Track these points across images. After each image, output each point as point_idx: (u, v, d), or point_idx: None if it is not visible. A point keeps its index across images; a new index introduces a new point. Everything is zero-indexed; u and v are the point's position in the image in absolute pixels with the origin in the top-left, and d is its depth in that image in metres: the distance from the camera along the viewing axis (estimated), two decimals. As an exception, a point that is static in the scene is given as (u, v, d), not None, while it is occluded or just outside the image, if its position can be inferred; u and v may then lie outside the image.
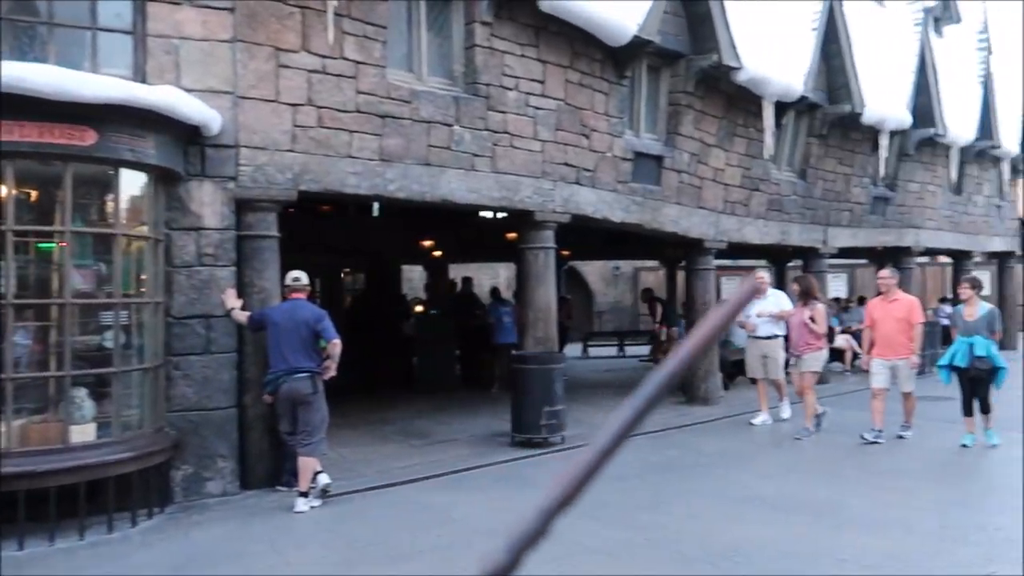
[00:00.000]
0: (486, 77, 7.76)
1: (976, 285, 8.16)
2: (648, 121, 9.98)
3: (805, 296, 8.94)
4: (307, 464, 5.85)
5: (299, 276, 6.22)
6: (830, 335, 10.89)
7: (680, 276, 14.80)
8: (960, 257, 17.48)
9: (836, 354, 14.37)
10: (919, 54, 13.84)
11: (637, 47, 8.92)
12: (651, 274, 23.35)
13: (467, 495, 6.44)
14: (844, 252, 15.35)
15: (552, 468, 7.35)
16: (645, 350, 17.06)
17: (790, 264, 15.86)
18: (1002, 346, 18.57)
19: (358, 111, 6.83)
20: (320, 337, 6.01)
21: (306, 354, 5.94)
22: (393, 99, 7.08)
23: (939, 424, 9.25)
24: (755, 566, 4.73)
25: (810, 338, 8.72)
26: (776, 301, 9.37)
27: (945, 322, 17.53)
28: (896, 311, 8.19)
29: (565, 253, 15.66)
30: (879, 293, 8.68)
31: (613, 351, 18.84)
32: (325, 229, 11.35)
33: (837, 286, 21.17)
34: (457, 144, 7.53)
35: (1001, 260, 19.03)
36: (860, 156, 13.43)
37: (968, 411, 7.88)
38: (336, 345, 6.02)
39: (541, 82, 8.28)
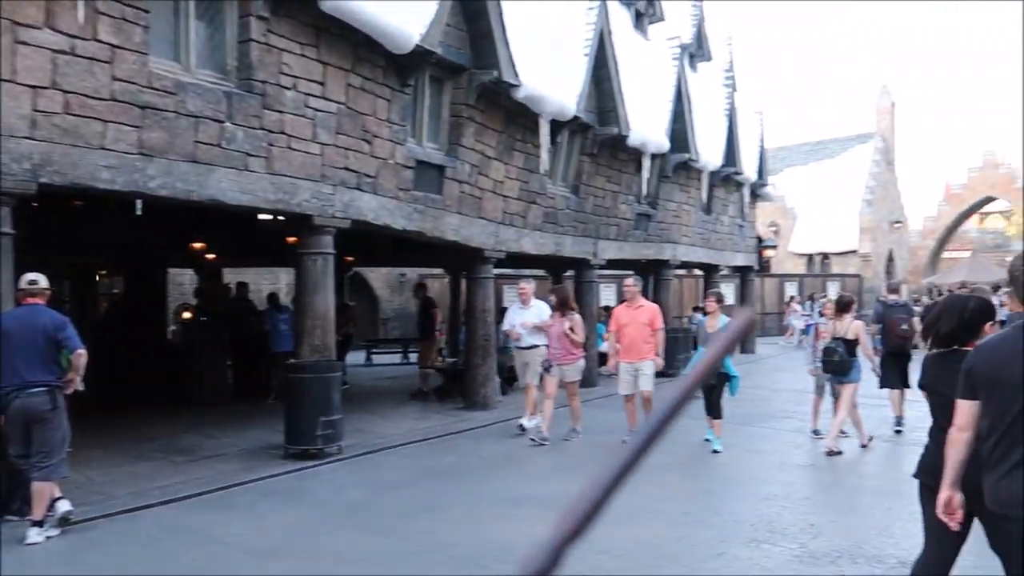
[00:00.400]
0: (262, 74, 7.44)
1: (720, 299, 8.68)
2: (431, 130, 10.11)
3: (563, 306, 8.97)
4: (43, 490, 5.22)
5: (36, 279, 5.53)
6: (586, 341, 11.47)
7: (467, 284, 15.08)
8: (710, 270, 19.49)
9: (604, 358, 15.43)
10: (676, 85, 15.28)
11: (420, 56, 9.00)
12: (436, 282, 23.61)
13: (232, 513, 6.10)
14: (612, 264, 16.54)
15: (328, 479, 7.18)
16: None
17: (566, 274, 16.77)
18: (743, 349, 21.16)
19: (114, 99, 6.24)
20: (62, 347, 5.40)
21: (43, 366, 5.30)
22: (156, 89, 6.56)
23: (689, 420, 10.24)
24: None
25: (570, 348, 8.80)
26: (538, 311, 9.33)
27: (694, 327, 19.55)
28: (640, 317, 8.60)
29: (349, 259, 15.43)
30: (623, 300, 9.15)
31: (398, 358, 18.79)
32: (78, 227, 10.24)
33: (607, 295, 22.73)
34: (229, 142, 7.13)
35: (743, 274, 21.49)
36: (626, 175, 14.53)
37: (715, 414, 8.36)
38: (81, 356, 5.42)
39: (321, 83, 8.09)
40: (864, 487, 6.94)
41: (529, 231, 12.01)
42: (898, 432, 9.10)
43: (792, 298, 27.01)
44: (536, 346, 9.13)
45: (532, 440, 8.63)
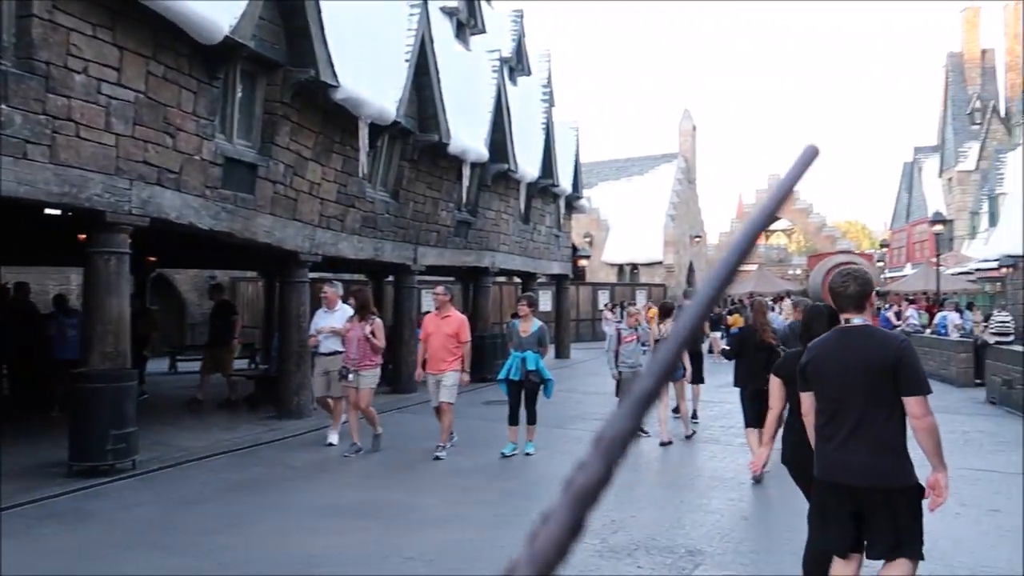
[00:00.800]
0: (45, 54, 6.74)
1: (533, 303, 8.63)
2: (243, 127, 9.64)
3: (363, 310, 8.61)
4: None
5: None
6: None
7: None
8: (528, 278, 20.08)
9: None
10: (495, 97, 15.64)
11: (231, 49, 8.57)
12: (251, 285, 22.54)
13: (4, 541, 5.45)
14: (433, 270, 16.60)
15: (119, 497, 6.62)
16: (243, 364, 16.31)
17: (388, 279, 16.62)
18: (558, 354, 21.96)
19: None
20: None
21: None
22: (-89, 62, 5.76)
23: (499, 424, 10.46)
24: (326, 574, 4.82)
25: (370, 354, 8.48)
26: (343, 316, 8.96)
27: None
28: (446, 327, 8.32)
29: (151, 259, 14.35)
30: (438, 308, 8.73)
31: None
32: None
33: (428, 301, 22.80)
34: (4, 126, 6.40)
35: (559, 282, 22.33)
36: (447, 183, 14.65)
37: (514, 420, 8.40)
38: None
39: (117, 69, 7.46)
40: (661, 483, 7.42)
41: (347, 235, 11.78)
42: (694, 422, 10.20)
43: (607, 305, 28.48)
44: (338, 352, 8.77)
45: (345, 455, 8.42)
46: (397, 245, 13.24)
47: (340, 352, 8.74)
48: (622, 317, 25.78)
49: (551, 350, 21.93)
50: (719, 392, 14.11)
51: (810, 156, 0.59)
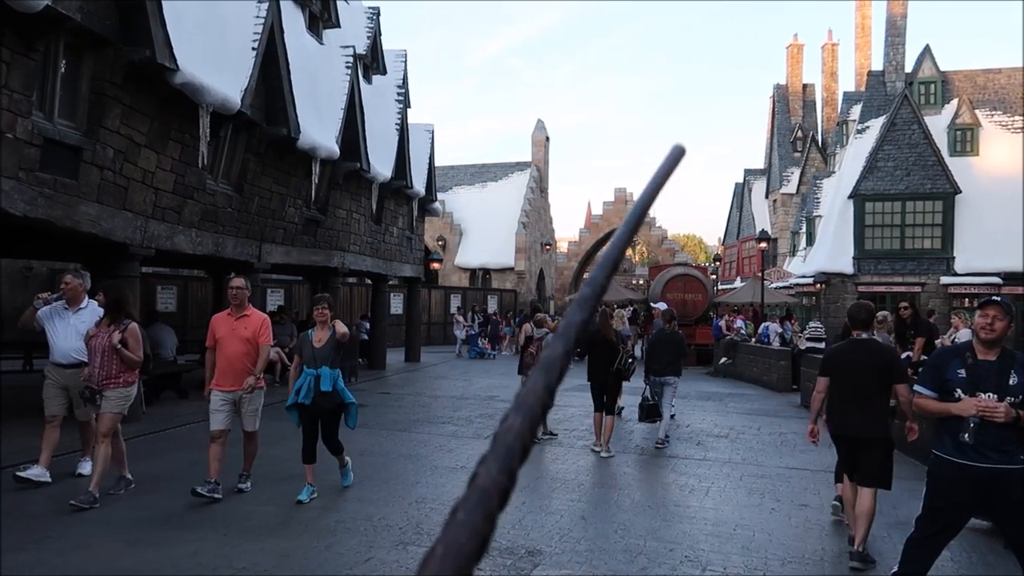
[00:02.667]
0: None
1: (331, 307, 6.82)
2: (65, 107, 8.84)
3: (114, 311, 6.51)
4: None
5: None
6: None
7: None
8: (379, 280, 19.78)
9: (268, 365, 14.81)
10: (348, 94, 15.31)
11: (52, 20, 7.84)
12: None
13: None
14: (279, 268, 15.98)
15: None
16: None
17: (230, 276, 15.80)
18: (408, 357, 21.77)
19: None
20: None
21: None
22: None
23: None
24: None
25: (120, 368, 6.42)
26: (92, 316, 7.00)
27: (365, 337, 19.68)
28: (243, 330, 6.60)
29: (-50, 248, 12.86)
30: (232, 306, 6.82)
31: (19, 365, 16.12)
32: None
33: (275, 300, 21.93)
34: None
35: (410, 284, 22.17)
36: (295, 179, 14.14)
37: (309, 456, 6.67)
38: None
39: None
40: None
41: (185, 228, 11.08)
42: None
43: (458, 309, 28.57)
44: (83, 364, 6.77)
45: (73, 504, 6.06)
46: (240, 241, 12.62)
47: (84, 364, 6.71)
48: (473, 321, 25.97)
49: (401, 353, 22.07)
50: (563, 396, 14.52)
51: (677, 155, 0.64)
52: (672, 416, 9.77)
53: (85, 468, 7.14)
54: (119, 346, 6.38)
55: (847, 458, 5.50)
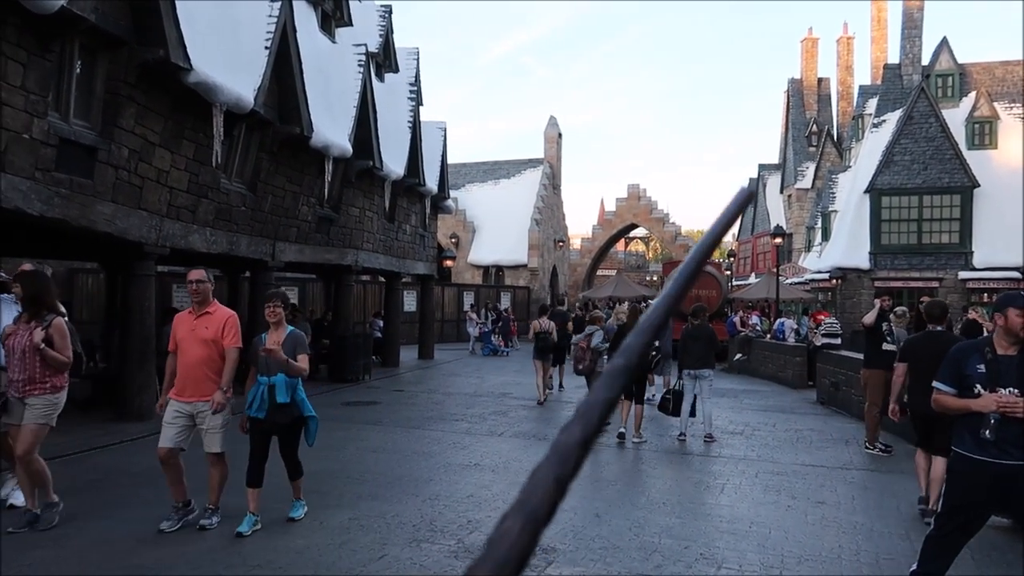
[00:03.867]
0: None
1: (286, 305, 5.88)
2: (81, 107, 8.90)
3: (35, 305, 5.69)
4: None
5: None
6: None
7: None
8: (392, 278, 19.81)
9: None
10: (361, 92, 15.32)
11: (68, 21, 7.89)
12: (91, 277, 20.89)
13: None
14: (293, 267, 16.03)
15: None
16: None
17: (245, 275, 15.89)
18: (422, 355, 21.83)
19: None
20: None
21: None
22: None
23: (364, 429, 10.23)
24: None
25: (44, 372, 5.56)
26: (8, 311, 6.30)
27: (378, 335, 19.73)
28: (203, 330, 5.65)
29: (-30, 248, 12.98)
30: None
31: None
32: None
33: (289, 298, 22.01)
34: None
35: (424, 282, 22.19)
36: (308, 177, 14.18)
37: (254, 479, 5.65)
38: None
39: (-71, 33, 6.70)
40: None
41: (199, 227, 11.14)
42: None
43: (472, 306, 28.58)
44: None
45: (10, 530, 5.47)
46: (254, 240, 12.67)
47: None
48: (486, 318, 25.97)
49: (414, 350, 22.09)
50: (577, 392, 14.49)
51: (745, 197, 0.65)
52: (692, 413, 9.69)
53: (16, 497, 6.07)
54: (42, 346, 5.48)
55: (922, 433, 6.52)
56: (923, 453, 6.58)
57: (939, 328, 6.63)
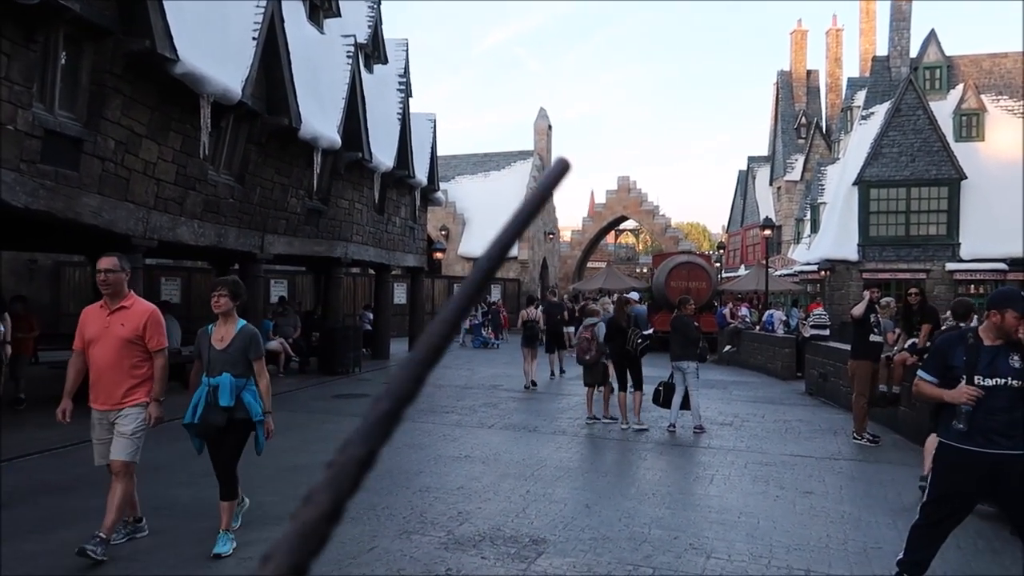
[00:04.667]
0: None
1: (236, 295, 5.10)
2: (66, 98, 8.81)
3: None
4: None
5: None
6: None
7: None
8: (382, 270, 19.76)
9: (270, 356, 14.85)
10: (350, 83, 15.24)
11: (52, 11, 7.80)
12: (78, 270, 20.77)
13: None
14: (282, 259, 15.97)
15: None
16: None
17: (234, 267, 15.82)
18: (412, 347, 21.85)
19: None
20: None
21: None
22: None
23: (351, 421, 10.20)
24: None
25: None
26: None
27: (368, 327, 19.69)
28: (119, 327, 4.90)
29: (-46, 240, 12.87)
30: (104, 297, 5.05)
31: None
32: None
33: (279, 291, 21.94)
34: None
35: (414, 274, 22.15)
36: (297, 169, 14.10)
37: (230, 493, 5.05)
38: None
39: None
40: (508, 474, 7.49)
41: (187, 219, 11.06)
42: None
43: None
44: None
45: None
46: (242, 232, 12.60)
47: None
48: (477, 311, 25.93)
49: (405, 343, 22.09)
50: (567, 384, 14.52)
51: (561, 169, 0.59)
52: (684, 405, 9.75)
53: None
54: None
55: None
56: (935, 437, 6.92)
57: (962, 325, 6.88)
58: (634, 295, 11.53)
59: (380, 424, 0.45)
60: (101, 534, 4.72)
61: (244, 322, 5.16)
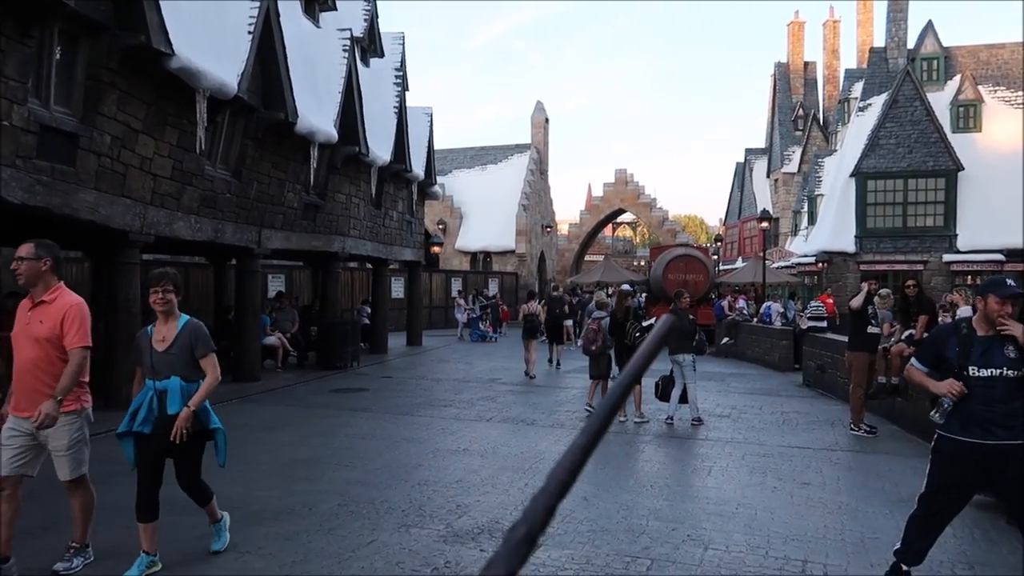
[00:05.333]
0: None
1: (177, 289, 4.54)
2: (62, 93, 8.79)
3: None
4: None
5: None
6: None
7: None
8: (379, 264, 19.76)
9: (268, 351, 14.83)
10: (346, 77, 15.21)
11: (47, 6, 7.78)
12: (75, 266, 20.71)
13: None
14: (279, 254, 15.94)
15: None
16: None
17: (231, 262, 15.79)
18: (410, 341, 21.89)
19: None
20: None
21: None
22: None
23: (353, 416, 10.21)
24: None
25: None
26: None
27: (366, 321, 19.68)
28: (37, 325, 4.32)
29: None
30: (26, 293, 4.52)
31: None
32: None
33: (276, 285, 21.92)
34: None
35: (411, 268, 22.15)
36: (294, 164, 14.08)
37: (146, 512, 4.47)
38: None
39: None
40: (507, 467, 7.51)
41: (184, 214, 11.05)
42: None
43: (459, 292, 28.54)
44: None
45: None
46: (240, 227, 12.59)
47: None
48: (474, 304, 25.95)
49: (403, 337, 22.11)
50: (565, 377, 14.54)
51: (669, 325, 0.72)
52: (683, 399, 9.79)
53: None
54: None
55: None
56: None
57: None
58: (626, 287, 11.60)
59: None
60: (74, 544, 4.57)
61: (187, 317, 4.60)
